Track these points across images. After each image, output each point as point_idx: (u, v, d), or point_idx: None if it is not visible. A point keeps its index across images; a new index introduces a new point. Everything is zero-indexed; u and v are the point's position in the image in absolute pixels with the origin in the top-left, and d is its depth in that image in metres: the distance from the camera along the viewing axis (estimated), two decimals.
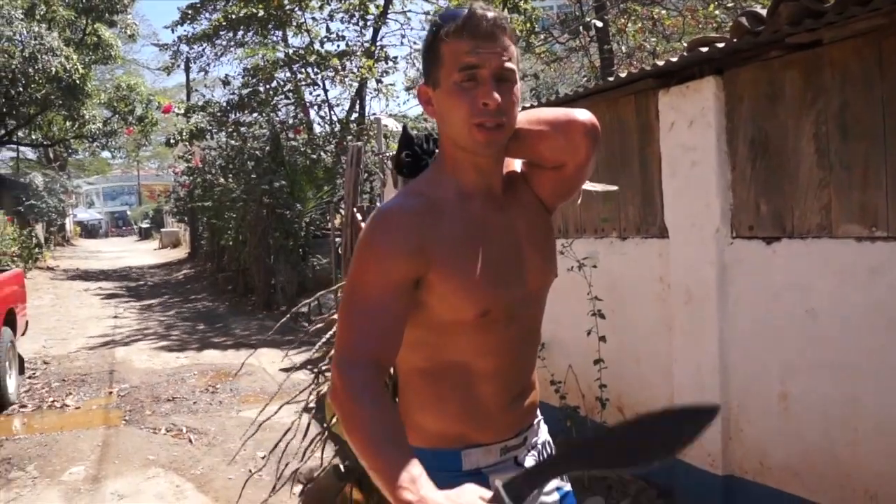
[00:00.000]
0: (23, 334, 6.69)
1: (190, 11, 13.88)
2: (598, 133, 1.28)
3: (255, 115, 13.09)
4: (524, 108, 1.37)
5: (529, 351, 1.37)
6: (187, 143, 14.42)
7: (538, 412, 1.44)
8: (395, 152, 1.54)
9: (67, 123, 20.64)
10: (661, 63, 3.34)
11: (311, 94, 13.58)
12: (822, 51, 2.65)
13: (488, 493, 1.00)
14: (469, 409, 1.28)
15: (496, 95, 1.17)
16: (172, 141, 14.40)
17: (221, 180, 13.03)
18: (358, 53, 12.74)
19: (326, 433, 2.76)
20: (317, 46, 12.73)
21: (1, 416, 5.55)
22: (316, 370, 2.99)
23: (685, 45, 3.97)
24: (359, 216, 8.39)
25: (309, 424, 2.92)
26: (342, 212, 8.90)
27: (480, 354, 1.27)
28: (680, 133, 3.26)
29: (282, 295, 11.37)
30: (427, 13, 13.33)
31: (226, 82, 13.70)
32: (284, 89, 13.24)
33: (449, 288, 1.20)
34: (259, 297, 11.73)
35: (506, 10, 9.57)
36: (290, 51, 13.06)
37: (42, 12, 17.38)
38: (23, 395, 6.09)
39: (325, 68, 12.55)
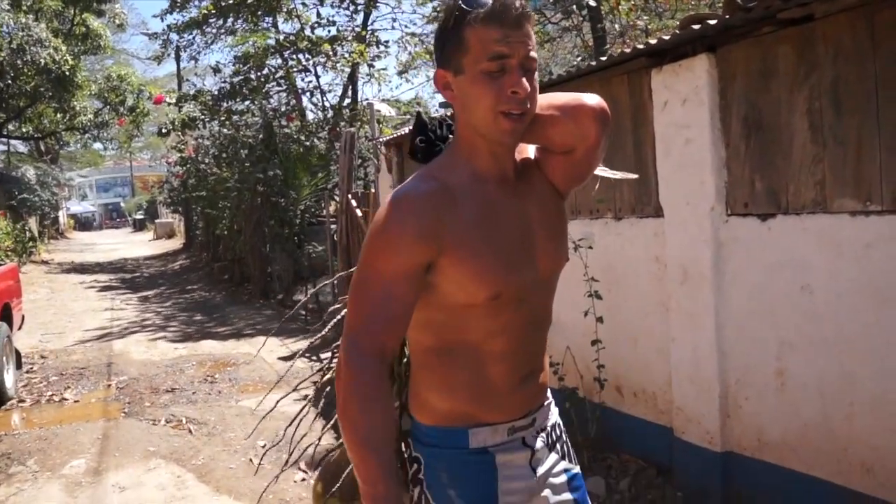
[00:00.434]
0: (19, 329, 6.68)
1: None
2: (607, 117, 1.30)
3: (246, 102, 13.01)
4: None
5: (539, 334, 1.39)
6: (180, 133, 14.35)
7: (549, 394, 1.45)
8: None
9: (58, 115, 20.45)
10: (653, 41, 3.32)
11: (302, 80, 13.53)
12: (814, 25, 2.64)
13: None
14: (477, 389, 1.30)
15: (526, 83, 1.17)
16: (164, 131, 14.33)
17: (215, 169, 12.95)
18: (349, 38, 12.65)
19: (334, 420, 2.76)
20: (308, 32, 12.64)
21: None
22: (315, 358, 2.99)
23: (678, 22, 3.94)
24: (353, 202, 8.35)
25: (306, 409, 2.92)
26: (337, 198, 8.87)
27: (490, 336, 1.28)
28: (673, 111, 3.24)
29: (278, 283, 11.36)
30: None
31: (216, 70, 13.60)
32: (276, 76, 13.17)
33: (461, 271, 1.21)
34: (255, 285, 11.72)
35: None
36: (281, 37, 12.97)
37: (29, 3, 17.19)
38: (21, 390, 6.08)
39: (316, 54, 12.48)
